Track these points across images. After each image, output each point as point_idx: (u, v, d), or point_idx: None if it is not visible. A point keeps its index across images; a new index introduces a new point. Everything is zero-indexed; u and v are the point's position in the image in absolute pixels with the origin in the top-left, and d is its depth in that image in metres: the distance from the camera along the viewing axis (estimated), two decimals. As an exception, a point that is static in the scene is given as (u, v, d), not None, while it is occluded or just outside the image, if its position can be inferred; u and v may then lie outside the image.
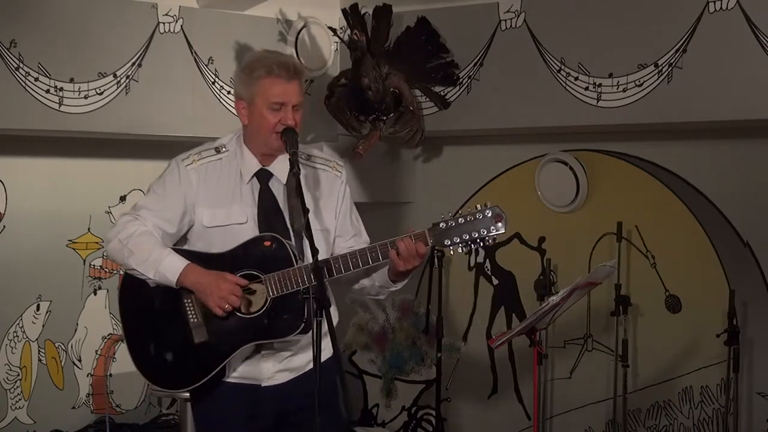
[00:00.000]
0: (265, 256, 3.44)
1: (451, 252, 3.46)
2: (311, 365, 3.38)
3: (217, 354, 3.48)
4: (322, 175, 3.62)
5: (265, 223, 3.50)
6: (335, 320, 3.66)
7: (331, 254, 3.55)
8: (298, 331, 3.40)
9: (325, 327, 3.22)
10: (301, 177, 3.43)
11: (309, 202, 3.49)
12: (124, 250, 3.48)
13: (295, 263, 3.41)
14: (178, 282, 3.45)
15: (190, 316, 3.49)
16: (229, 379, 3.55)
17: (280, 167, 3.51)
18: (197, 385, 3.50)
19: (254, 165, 3.56)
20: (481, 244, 3.41)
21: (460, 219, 3.40)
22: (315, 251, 3.23)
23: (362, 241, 3.65)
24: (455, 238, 3.40)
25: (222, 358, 3.48)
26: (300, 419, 3.50)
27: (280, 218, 3.50)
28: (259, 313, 3.45)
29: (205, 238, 3.54)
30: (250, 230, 3.49)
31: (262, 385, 3.55)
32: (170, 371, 3.55)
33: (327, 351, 3.48)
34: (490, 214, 3.39)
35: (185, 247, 3.58)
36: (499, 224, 3.39)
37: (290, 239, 3.42)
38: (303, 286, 3.38)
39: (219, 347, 3.47)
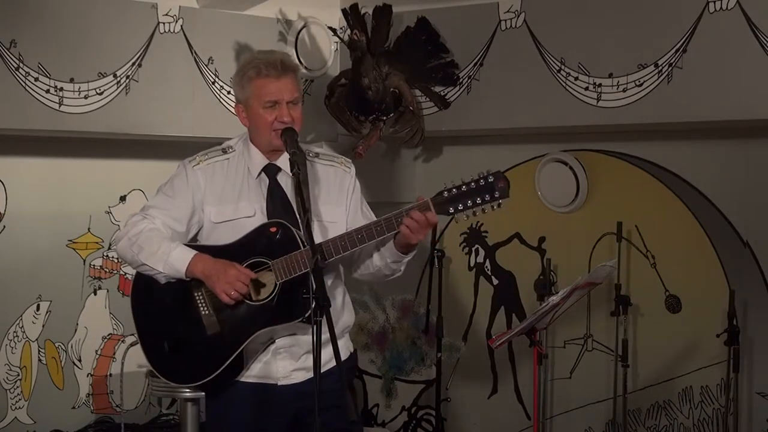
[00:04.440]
0: (272, 242, 3.47)
1: (456, 221, 3.46)
2: (329, 365, 3.45)
3: (231, 344, 3.48)
4: (330, 171, 3.67)
5: (275, 215, 3.53)
6: (351, 321, 3.71)
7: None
8: (308, 313, 3.38)
9: (339, 329, 3.23)
10: (309, 174, 3.49)
11: (317, 197, 3.55)
12: (134, 246, 3.52)
13: (301, 246, 3.42)
14: (188, 272, 3.47)
15: (201, 308, 3.51)
16: (244, 379, 3.56)
17: (288, 161, 3.52)
18: (213, 376, 3.50)
19: (262, 161, 3.60)
20: (484, 210, 3.42)
21: (463, 187, 3.42)
22: (315, 251, 3.24)
23: None
24: (459, 206, 3.41)
25: (236, 348, 3.48)
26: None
27: (290, 209, 3.53)
28: (269, 298, 3.46)
29: (215, 236, 3.57)
30: (258, 223, 3.52)
31: (279, 384, 3.57)
32: (185, 365, 3.56)
33: (344, 351, 3.51)
34: (492, 180, 3.40)
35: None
36: (503, 189, 3.40)
37: (299, 229, 3.43)
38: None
39: (232, 337, 3.48)
